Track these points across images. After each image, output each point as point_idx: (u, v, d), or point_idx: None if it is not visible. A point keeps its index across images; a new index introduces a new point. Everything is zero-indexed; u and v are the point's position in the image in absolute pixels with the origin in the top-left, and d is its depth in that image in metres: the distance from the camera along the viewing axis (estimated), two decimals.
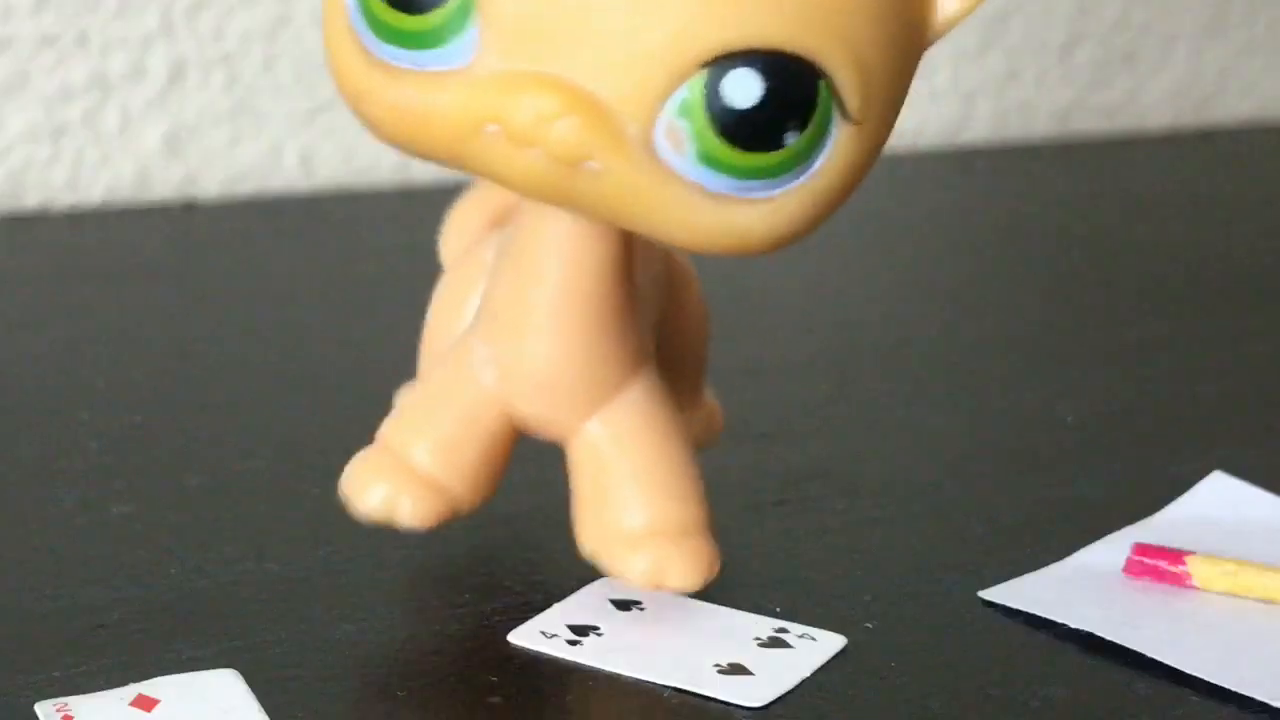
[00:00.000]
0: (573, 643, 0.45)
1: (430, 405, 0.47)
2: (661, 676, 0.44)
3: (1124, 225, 0.88)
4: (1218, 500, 0.54)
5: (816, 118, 0.40)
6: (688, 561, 0.46)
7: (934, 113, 0.98)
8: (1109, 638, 0.46)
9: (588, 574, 0.47)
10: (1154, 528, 0.52)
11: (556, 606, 0.47)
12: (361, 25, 0.42)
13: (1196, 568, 0.49)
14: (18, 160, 0.80)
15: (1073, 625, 0.47)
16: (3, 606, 0.46)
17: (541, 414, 0.46)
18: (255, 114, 0.83)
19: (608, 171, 0.40)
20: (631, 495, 0.46)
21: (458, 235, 0.53)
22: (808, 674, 0.45)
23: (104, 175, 0.81)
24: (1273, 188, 0.96)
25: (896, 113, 0.43)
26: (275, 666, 0.44)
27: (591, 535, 0.46)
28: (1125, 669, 0.45)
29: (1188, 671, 0.45)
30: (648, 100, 0.40)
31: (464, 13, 0.40)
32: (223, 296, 0.71)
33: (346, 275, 0.75)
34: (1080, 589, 0.49)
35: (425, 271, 0.75)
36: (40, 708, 0.41)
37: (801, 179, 0.41)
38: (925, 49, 0.43)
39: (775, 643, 0.46)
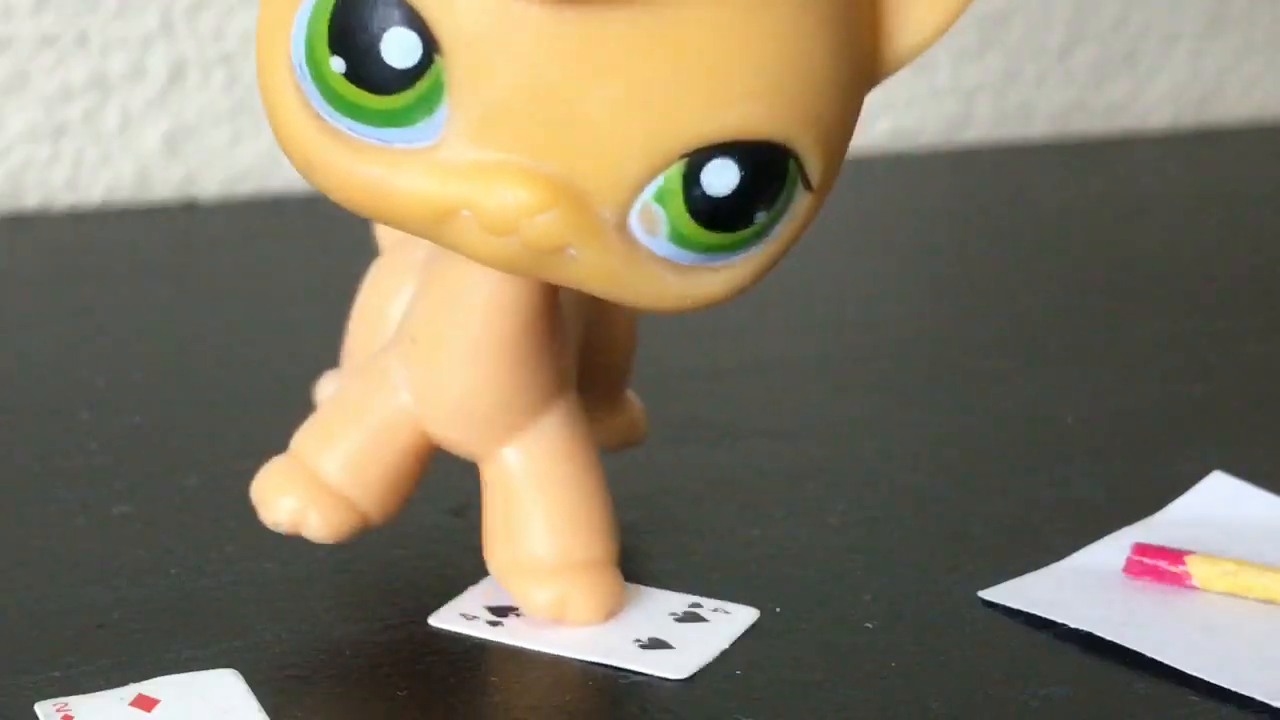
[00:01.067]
0: (493, 624, 0.46)
1: (344, 418, 0.46)
2: (583, 653, 0.45)
3: (1124, 225, 0.88)
4: (1218, 500, 0.54)
5: (784, 194, 0.41)
6: (590, 596, 0.46)
7: (934, 113, 0.98)
8: (1109, 638, 0.46)
9: None
10: (1154, 528, 0.52)
11: (472, 589, 0.47)
12: (312, 91, 0.40)
13: (1196, 568, 0.49)
14: (18, 160, 0.80)
15: (1073, 625, 0.47)
16: (3, 606, 0.46)
17: (455, 437, 0.46)
18: (255, 114, 0.83)
19: (584, 257, 0.40)
20: (539, 527, 0.46)
21: None
22: (726, 645, 0.45)
23: (104, 175, 0.81)
24: (1273, 188, 0.96)
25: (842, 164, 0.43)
26: (275, 666, 0.44)
27: (499, 560, 0.46)
28: (1125, 669, 0.45)
29: (1188, 671, 0.45)
30: (625, 189, 0.40)
31: (434, 95, 0.39)
32: (223, 296, 0.71)
33: (346, 275, 0.75)
34: (1080, 589, 0.49)
35: None
36: (40, 708, 0.41)
37: (762, 245, 0.42)
38: (879, 82, 0.43)
39: (691, 617, 0.46)
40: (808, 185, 0.41)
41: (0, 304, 0.70)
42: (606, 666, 0.44)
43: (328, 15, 0.39)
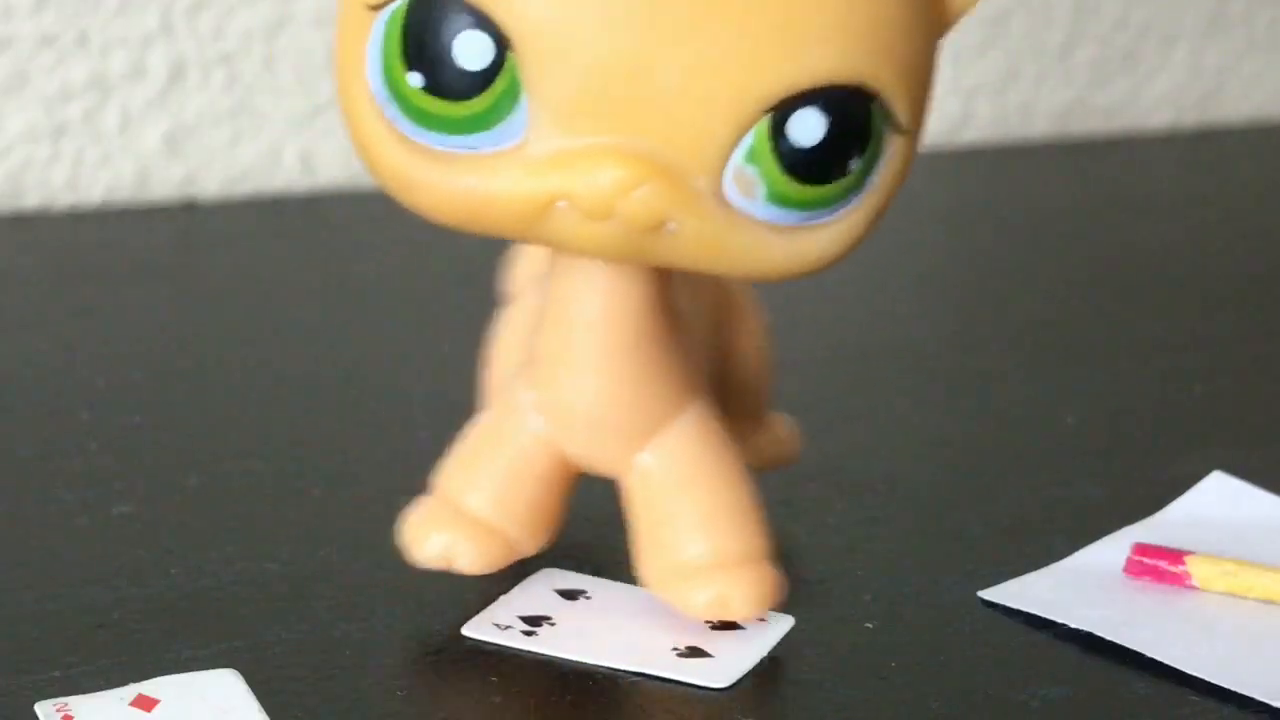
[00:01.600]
0: (528, 633, 0.45)
1: (481, 453, 0.47)
2: (622, 662, 0.44)
3: (1124, 225, 0.88)
4: (1218, 500, 0.54)
5: (874, 138, 0.41)
6: (748, 590, 0.45)
7: (934, 113, 0.98)
8: (1109, 638, 0.46)
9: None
10: (1154, 528, 0.52)
11: (503, 598, 0.47)
12: (397, 115, 0.41)
13: (1196, 568, 0.49)
14: (18, 160, 0.80)
15: (1073, 625, 0.47)
16: (3, 606, 0.46)
17: (591, 453, 0.46)
18: (255, 114, 0.83)
19: (686, 229, 0.41)
20: (687, 528, 0.46)
21: (525, 264, 0.53)
22: (764, 654, 0.45)
23: (104, 175, 0.81)
24: (1273, 188, 0.96)
25: (927, 112, 0.43)
26: (275, 666, 0.44)
27: (651, 570, 0.46)
28: (1125, 669, 0.45)
29: (1188, 671, 0.45)
30: (716, 152, 0.40)
31: (512, 92, 0.40)
32: (223, 296, 0.71)
33: (346, 275, 0.75)
34: (1080, 589, 0.49)
35: (425, 271, 0.75)
36: (40, 708, 0.41)
37: (861, 195, 0.42)
38: (942, 35, 0.43)
39: (727, 625, 0.46)
40: (896, 127, 0.41)
41: (0, 304, 0.70)
42: (634, 674, 0.44)
43: (399, 34, 0.40)
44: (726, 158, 0.40)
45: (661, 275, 0.45)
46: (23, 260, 0.75)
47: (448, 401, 0.61)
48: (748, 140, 0.40)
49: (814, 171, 0.40)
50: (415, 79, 0.40)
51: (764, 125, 0.40)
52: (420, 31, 0.40)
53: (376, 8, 0.40)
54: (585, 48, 0.39)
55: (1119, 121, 1.03)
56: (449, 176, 0.41)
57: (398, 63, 0.40)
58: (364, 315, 0.69)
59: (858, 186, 0.41)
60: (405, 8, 0.40)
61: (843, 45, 0.40)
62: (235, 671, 0.43)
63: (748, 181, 0.40)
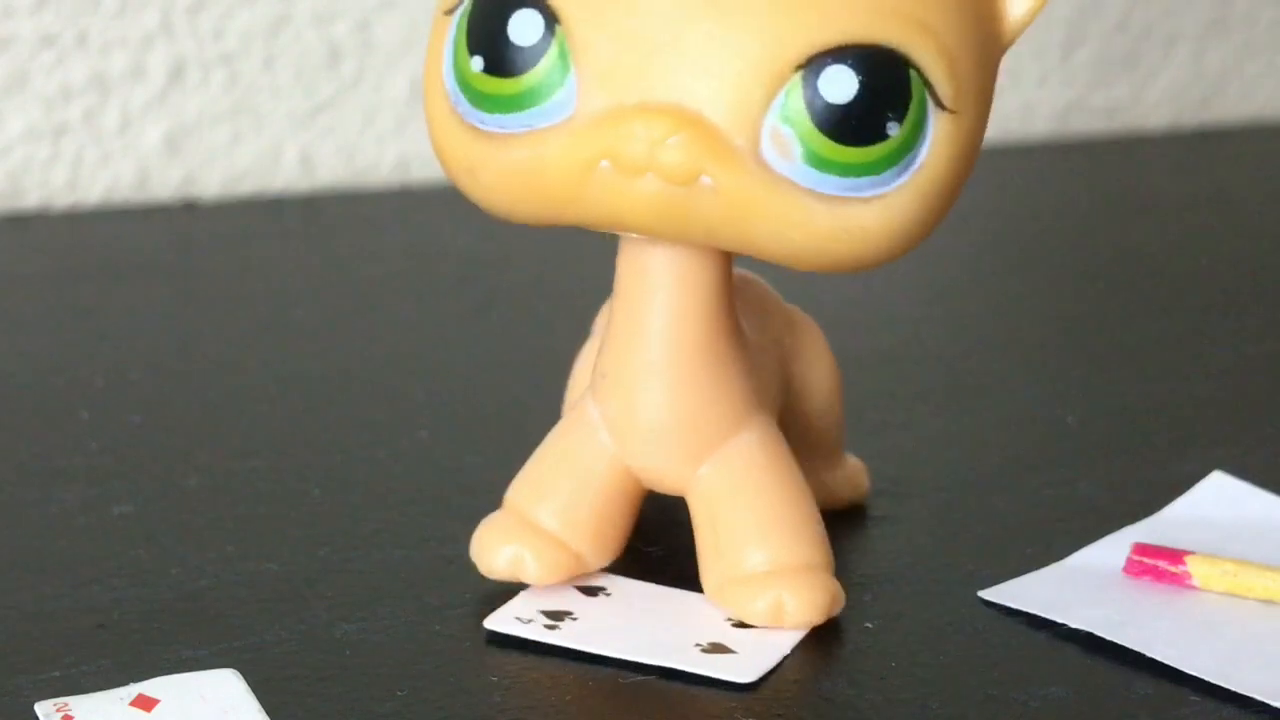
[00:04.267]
0: (550, 627, 0.45)
1: (551, 467, 0.48)
2: (645, 657, 0.44)
3: (1124, 225, 0.88)
4: (1218, 500, 0.54)
5: (913, 106, 0.42)
6: (806, 597, 0.46)
7: None
8: (1109, 638, 0.46)
9: None
10: (1154, 528, 0.52)
11: (524, 593, 0.47)
12: (464, 105, 0.43)
13: (1196, 568, 0.49)
14: (18, 160, 0.80)
15: (1073, 625, 0.47)
16: (3, 606, 0.46)
17: (656, 466, 0.47)
18: (255, 114, 0.83)
19: (721, 186, 0.42)
20: (748, 537, 0.46)
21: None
22: (787, 651, 0.45)
23: (104, 175, 0.81)
24: (1273, 188, 0.96)
25: (988, 107, 0.44)
26: (275, 666, 0.44)
27: (712, 579, 0.47)
28: (1125, 669, 0.45)
29: (1188, 671, 0.45)
30: (750, 110, 0.41)
31: (561, 64, 0.42)
32: (223, 296, 0.71)
33: (346, 275, 0.75)
34: (1080, 589, 0.49)
35: (425, 271, 0.75)
36: (40, 708, 0.41)
37: (909, 172, 0.42)
38: (1004, 48, 0.44)
39: (745, 623, 0.46)
40: (940, 104, 0.42)
41: (0, 304, 0.70)
42: (655, 670, 0.44)
43: (466, 25, 0.43)
44: (761, 116, 0.41)
45: (723, 291, 0.46)
46: (23, 260, 0.75)
47: (448, 401, 0.61)
48: (780, 99, 0.41)
49: (851, 130, 0.41)
50: (477, 63, 0.43)
51: (796, 83, 0.41)
52: (482, 18, 0.43)
53: (450, 11, 0.44)
54: (621, 15, 0.41)
55: (1119, 121, 1.03)
56: (506, 153, 0.43)
57: (463, 52, 0.43)
58: (364, 315, 0.69)
59: (901, 157, 0.42)
60: (471, 3, 0.43)
61: (873, 8, 0.41)
62: (235, 671, 0.43)
63: (784, 141, 0.41)
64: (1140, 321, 0.73)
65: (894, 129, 0.42)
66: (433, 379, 0.63)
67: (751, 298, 0.49)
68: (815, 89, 0.41)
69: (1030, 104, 1.01)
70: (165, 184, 0.82)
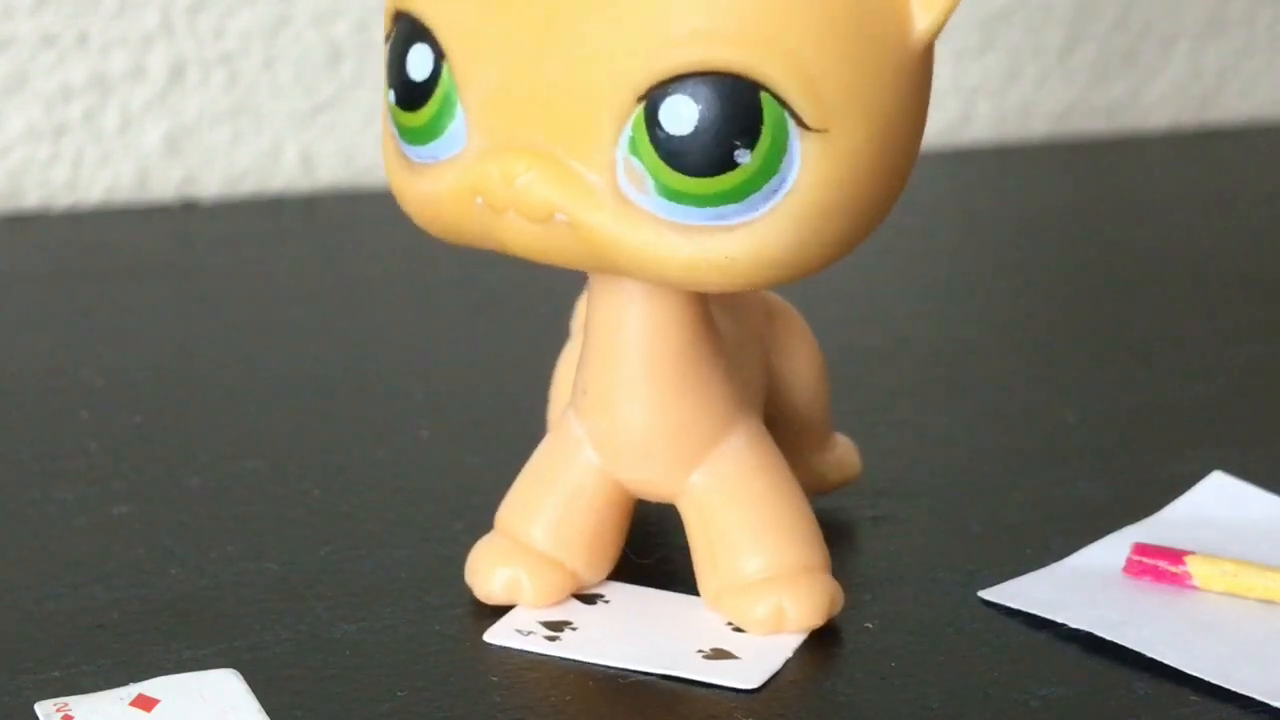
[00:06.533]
0: (550, 638, 0.45)
1: (539, 486, 0.47)
2: (648, 666, 0.44)
3: (1124, 225, 0.88)
4: (1218, 500, 0.54)
5: (766, 131, 0.40)
6: (806, 600, 0.46)
7: (934, 113, 0.98)
8: (1109, 638, 0.46)
9: None
10: (1154, 528, 0.52)
11: (522, 604, 0.47)
12: (395, 132, 0.44)
13: (1196, 568, 0.49)
14: (18, 160, 0.80)
15: (1073, 625, 0.47)
16: (3, 606, 0.46)
17: (644, 479, 0.46)
18: (255, 114, 0.83)
19: (578, 221, 0.42)
20: (744, 543, 0.46)
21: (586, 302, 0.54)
22: (789, 654, 0.45)
23: (104, 175, 0.81)
24: (1273, 188, 0.96)
25: (888, 121, 0.42)
26: (275, 666, 0.44)
27: (710, 588, 0.47)
28: (1125, 669, 0.45)
29: (1188, 671, 0.45)
30: (600, 145, 0.41)
31: (450, 100, 0.42)
32: (223, 296, 0.71)
33: (346, 275, 0.75)
34: (1080, 589, 0.49)
35: (425, 272, 0.75)
36: (40, 708, 0.41)
37: (776, 197, 0.41)
38: (912, 53, 0.42)
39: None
40: (804, 124, 0.41)
41: (0, 304, 0.70)
42: (644, 674, 0.44)
43: (387, 58, 0.44)
44: (613, 150, 0.41)
45: (696, 298, 0.45)
46: (23, 260, 0.75)
47: (448, 401, 0.61)
48: (627, 131, 0.41)
49: (693, 162, 0.41)
50: (392, 95, 0.44)
51: (639, 114, 0.41)
52: (391, 52, 0.44)
53: (387, 40, 0.44)
54: (494, 52, 0.42)
55: (1119, 121, 1.03)
56: (418, 184, 0.44)
57: (386, 83, 0.44)
58: (364, 315, 0.69)
59: (762, 183, 0.41)
60: (391, 34, 0.44)
61: (711, 33, 0.40)
62: (235, 671, 0.43)
63: (637, 174, 0.41)
64: (1140, 321, 0.73)
65: (744, 156, 0.40)
66: (433, 379, 0.63)
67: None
68: (656, 121, 0.40)
69: (1030, 104, 1.01)
70: (165, 184, 0.82)
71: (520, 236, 0.42)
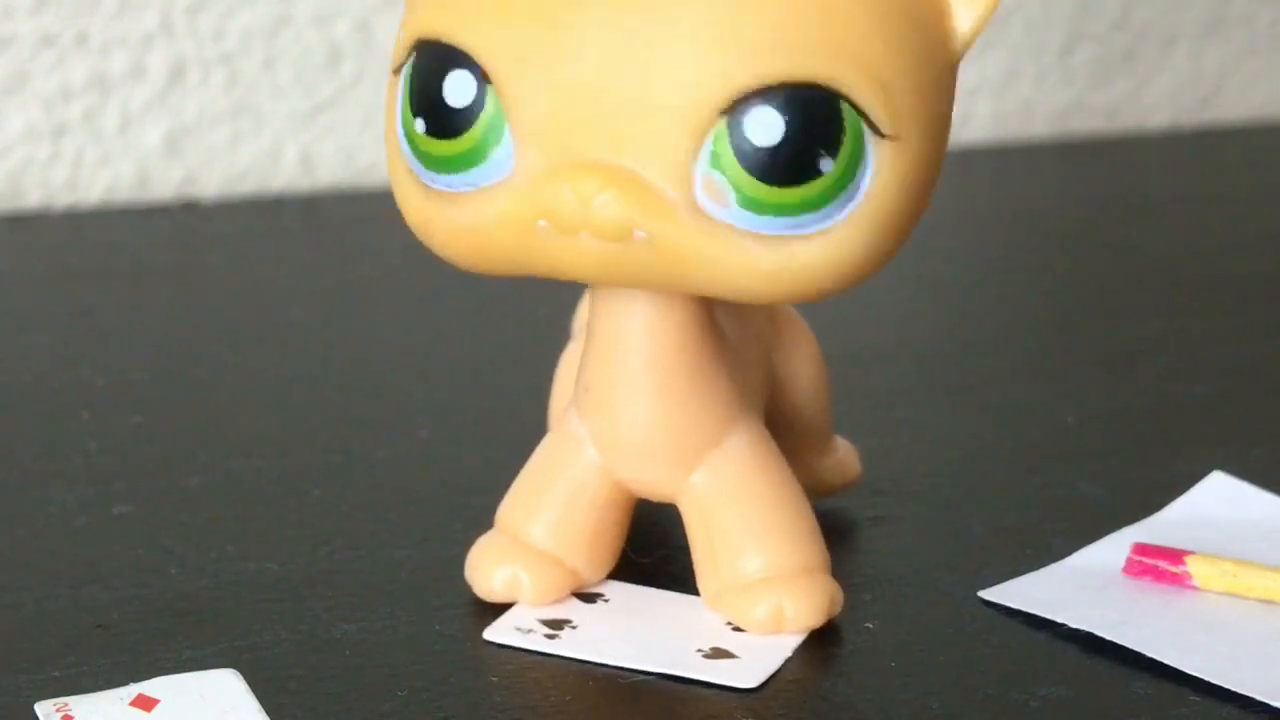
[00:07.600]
0: (550, 636, 0.45)
1: (539, 484, 0.47)
2: (647, 664, 0.44)
3: (1124, 225, 0.88)
4: (1218, 500, 0.54)
5: (847, 139, 0.41)
6: (806, 600, 0.46)
7: None
8: (1109, 638, 0.46)
9: None
10: (1154, 528, 0.52)
11: (522, 602, 0.47)
12: (415, 164, 0.43)
13: (1196, 568, 0.49)
14: (18, 160, 0.80)
15: (1073, 625, 0.47)
16: (3, 606, 0.46)
17: (644, 477, 0.46)
18: (255, 114, 0.83)
19: (656, 238, 0.41)
20: (743, 543, 0.46)
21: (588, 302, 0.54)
22: (789, 653, 0.45)
23: (104, 175, 0.81)
24: (1273, 188, 0.96)
25: (941, 127, 0.43)
26: (275, 666, 0.44)
27: (710, 588, 0.47)
28: (1125, 669, 0.45)
29: (1188, 671, 0.45)
30: (680, 160, 0.41)
31: (497, 125, 0.42)
32: (223, 296, 0.71)
33: (346, 275, 0.75)
34: (1080, 589, 0.49)
35: (425, 272, 0.74)
36: (40, 708, 0.41)
37: (852, 204, 0.42)
38: (954, 62, 0.43)
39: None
40: (878, 132, 0.41)
41: (0, 304, 0.70)
42: (644, 673, 0.44)
43: (408, 87, 0.43)
44: (692, 165, 0.41)
45: (699, 299, 0.45)
46: (23, 260, 0.75)
47: (448, 401, 0.61)
48: (708, 145, 0.41)
49: (779, 172, 0.41)
50: (420, 124, 0.42)
51: (721, 128, 0.40)
52: (421, 80, 0.43)
53: (398, 70, 0.43)
54: (549, 73, 0.41)
55: (1119, 121, 1.03)
56: (455, 214, 0.43)
57: (409, 113, 0.43)
58: (364, 315, 0.69)
59: (840, 191, 0.41)
60: (411, 66, 0.43)
61: (791, 45, 0.40)
62: (235, 671, 0.43)
63: (718, 188, 0.41)
64: (1139, 321, 0.73)
65: (828, 165, 0.41)
66: (433, 379, 0.63)
67: None
68: (742, 133, 0.40)
69: (1030, 104, 1.01)
70: (165, 184, 0.82)
71: (585, 258, 0.42)
